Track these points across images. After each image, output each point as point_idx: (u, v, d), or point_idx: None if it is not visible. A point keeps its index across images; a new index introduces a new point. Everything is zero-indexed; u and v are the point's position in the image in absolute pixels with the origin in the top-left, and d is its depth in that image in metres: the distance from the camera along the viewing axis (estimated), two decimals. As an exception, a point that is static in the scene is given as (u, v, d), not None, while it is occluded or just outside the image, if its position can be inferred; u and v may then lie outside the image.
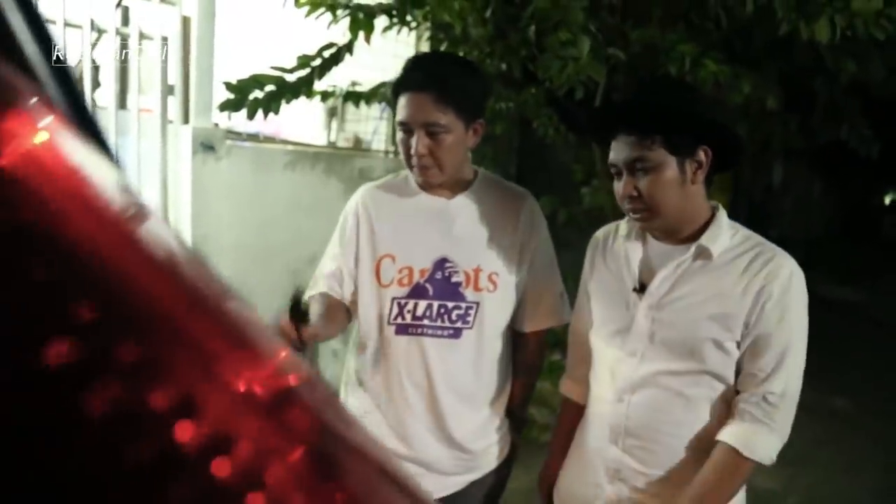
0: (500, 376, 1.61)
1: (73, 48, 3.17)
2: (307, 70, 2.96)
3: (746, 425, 1.21)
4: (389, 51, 3.83)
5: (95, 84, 3.29)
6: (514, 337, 1.65)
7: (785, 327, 1.21)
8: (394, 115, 1.51)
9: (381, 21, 3.08)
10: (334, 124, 4.92)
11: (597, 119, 1.36)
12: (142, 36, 3.31)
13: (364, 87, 3.62)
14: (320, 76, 2.96)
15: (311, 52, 3.04)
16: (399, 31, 3.29)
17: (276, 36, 3.57)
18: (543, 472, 1.60)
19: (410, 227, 1.55)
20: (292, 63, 3.07)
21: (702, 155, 1.26)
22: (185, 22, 3.44)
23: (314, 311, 1.39)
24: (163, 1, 3.27)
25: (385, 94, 3.29)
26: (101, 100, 3.34)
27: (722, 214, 1.32)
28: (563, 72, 2.41)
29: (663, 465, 1.27)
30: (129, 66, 3.35)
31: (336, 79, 3.51)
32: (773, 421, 1.21)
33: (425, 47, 4.06)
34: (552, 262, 1.65)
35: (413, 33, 3.63)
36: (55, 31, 3.10)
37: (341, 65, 3.10)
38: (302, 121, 4.66)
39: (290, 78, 2.93)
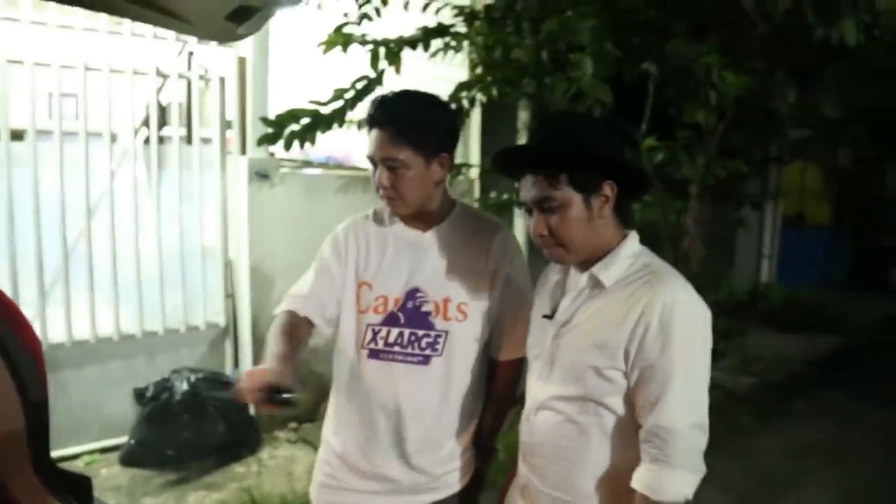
0: (469, 404, 1.63)
1: (141, 93, 3.54)
2: (341, 102, 3.15)
3: (648, 466, 1.19)
4: (435, 75, 3.96)
5: (162, 123, 3.65)
6: (489, 366, 1.67)
7: (667, 357, 1.17)
8: None
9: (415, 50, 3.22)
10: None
11: (503, 159, 1.38)
12: (202, 77, 3.63)
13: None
14: (352, 107, 3.15)
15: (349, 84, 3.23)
16: (444, 54, 3.42)
17: (326, 70, 3.80)
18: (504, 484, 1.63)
19: (387, 257, 1.61)
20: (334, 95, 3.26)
21: (607, 189, 1.26)
22: (241, 62, 3.75)
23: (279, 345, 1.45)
24: (220, 44, 3.57)
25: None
26: (169, 136, 3.70)
27: (626, 243, 1.30)
28: (567, 93, 2.45)
29: (561, 488, 1.28)
30: (191, 105, 3.68)
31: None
32: (668, 457, 1.17)
33: (461, 72, 4.15)
34: (525, 293, 1.66)
35: (456, 57, 3.73)
36: (126, 80, 3.48)
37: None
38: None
39: (326, 110, 3.13)
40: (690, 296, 1.23)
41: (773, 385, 5.26)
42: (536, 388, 1.37)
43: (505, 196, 4.12)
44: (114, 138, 3.55)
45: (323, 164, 4.30)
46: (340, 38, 2.96)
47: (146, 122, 3.59)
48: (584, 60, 2.35)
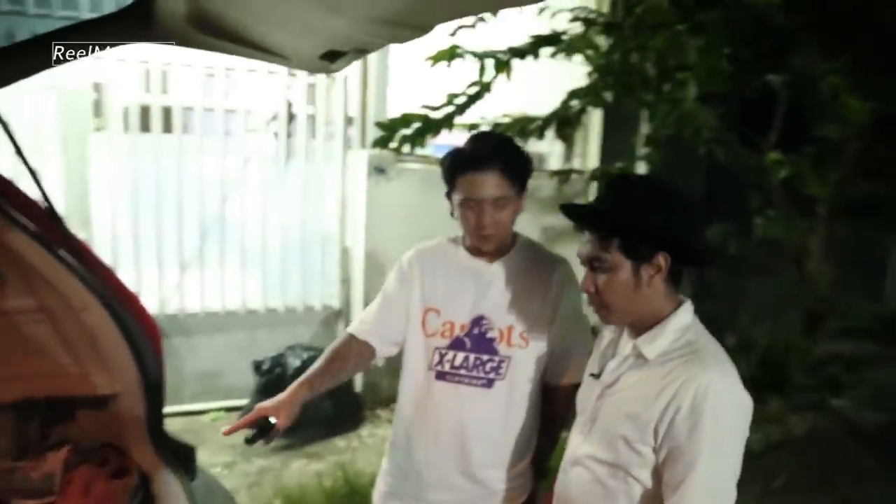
0: (528, 426, 1.71)
1: (272, 93, 3.86)
2: (452, 107, 3.25)
3: None
4: (543, 83, 3.97)
5: (290, 119, 3.95)
6: (544, 391, 1.74)
7: (694, 442, 1.16)
8: (449, 188, 1.65)
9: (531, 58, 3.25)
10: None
11: (566, 212, 1.40)
12: (327, 76, 3.88)
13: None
14: (461, 112, 3.24)
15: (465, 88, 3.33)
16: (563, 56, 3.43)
17: (444, 70, 3.92)
18: None
19: (454, 285, 1.68)
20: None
21: (660, 260, 1.24)
22: (364, 62, 3.95)
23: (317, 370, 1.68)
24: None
25: (523, 128, 3.42)
26: (295, 133, 4.01)
27: (677, 315, 1.25)
28: (668, 117, 2.40)
29: None
30: (316, 104, 3.95)
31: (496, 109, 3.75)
32: None
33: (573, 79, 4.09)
34: (580, 323, 1.72)
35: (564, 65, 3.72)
36: (259, 79, 3.81)
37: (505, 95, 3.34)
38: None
39: (437, 114, 3.26)
40: (727, 382, 1.20)
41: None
42: (576, 442, 1.40)
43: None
44: (247, 132, 3.91)
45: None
46: (447, 53, 3.05)
47: (276, 119, 3.91)
48: (688, 83, 2.28)
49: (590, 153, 4.80)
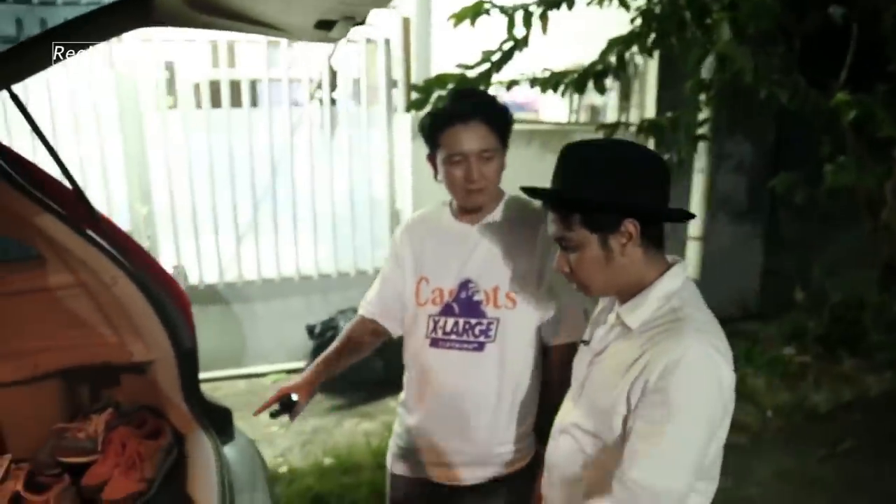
0: (525, 389, 1.70)
1: (313, 59, 3.88)
2: (488, 65, 3.17)
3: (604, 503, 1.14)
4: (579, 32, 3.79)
5: (333, 86, 3.98)
6: (543, 353, 1.71)
7: (659, 413, 1.10)
8: (432, 149, 1.67)
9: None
10: (576, 99, 5.02)
11: (529, 195, 1.34)
12: (369, 40, 3.86)
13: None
14: (498, 69, 3.16)
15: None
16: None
17: (486, 28, 3.82)
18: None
19: (441, 251, 1.69)
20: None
21: (629, 227, 1.16)
22: (406, 23, 3.91)
23: (331, 352, 1.76)
24: (383, 7, 3.74)
25: (572, 80, 3.29)
26: (339, 98, 4.04)
27: (661, 282, 1.18)
28: (701, 60, 2.25)
29: None
30: (360, 68, 3.96)
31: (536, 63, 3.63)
32: None
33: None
34: None
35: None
36: (301, 47, 3.83)
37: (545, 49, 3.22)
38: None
39: (473, 73, 3.19)
40: (702, 355, 1.12)
41: None
42: (566, 409, 1.37)
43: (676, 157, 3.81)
44: (293, 102, 3.97)
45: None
46: (471, 10, 2.96)
47: (320, 86, 3.95)
48: (721, 24, 2.12)
49: (647, 104, 4.61)
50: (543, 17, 2.99)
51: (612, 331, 1.27)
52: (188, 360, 2.02)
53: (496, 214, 1.68)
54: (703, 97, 3.58)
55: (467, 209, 1.68)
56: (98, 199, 3.50)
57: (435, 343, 1.68)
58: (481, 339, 1.65)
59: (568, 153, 1.21)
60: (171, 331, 1.97)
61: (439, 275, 1.69)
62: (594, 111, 5.18)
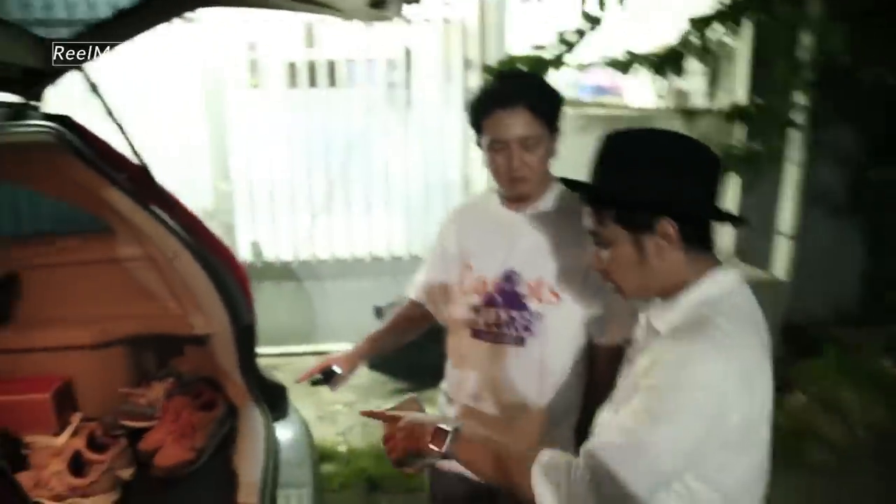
0: (566, 389, 1.63)
1: (390, 40, 3.89)
2: (563, 46, 3.06)
3: (561, 457, 1.07)
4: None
5: (409, 67, 3.98)
6: (591, 351, 1.65)
7: (638, 399, 1.03)
8: (477, 133, 1.61)
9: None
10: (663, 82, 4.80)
11: (567, 186, 1.24)
12: (445, 21, 3.83)
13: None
14: (570, 50, 3.04)
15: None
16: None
17: (564, 7, 3.70)
18: None
19: (486, 239, 1.63)
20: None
21: (666, 228, 1.06)
22: (482, 2, 3.84)
23: (383, 328, 1.85)
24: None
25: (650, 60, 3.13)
26: (415, 78, 4.03)
27: (697, 287, 1.09)
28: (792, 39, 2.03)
29: None
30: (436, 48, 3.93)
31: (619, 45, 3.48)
32: (567, 479, 1.02)
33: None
34: None
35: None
36: (378, 28, 3.85)
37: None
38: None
39: (547, 55, 3.08)
40: (699, 358, 1.01)
41: None
42: (603, 411, 1.30)
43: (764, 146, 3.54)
44: (370, 83, 3.99)
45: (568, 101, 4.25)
46: None
47: (396, 66, 3.95)
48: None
49: (737, 87, 4.33)
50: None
51: (647, 335, 1.19)
52: (246, 336, 2.08)
53: (546, 203, 1.60)
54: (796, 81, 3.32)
55: (512, 197, 1.62)
56: (182, 177, 3.65)
57: (476, 334, 1.63)
58: (523, 333, 1.58)
59: (605, 143, 1.12)
60: (230, 306, 2.03)
61: (483, 263, 1.63)
62: (681, 96, 4.93)
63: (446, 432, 1.18)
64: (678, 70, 3.03)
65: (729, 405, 0.99)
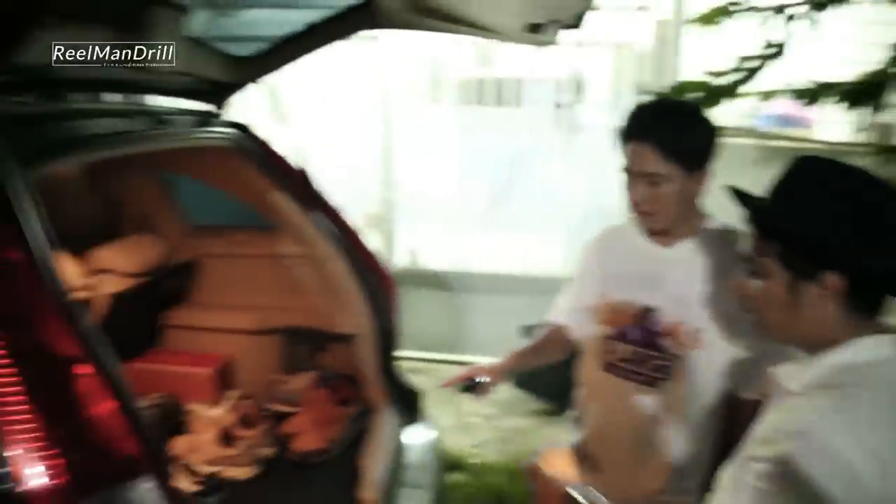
0: (697, 441, 1.51)
1: (563, 63, 3.90)
2: (743, 73, 2.87)
3: None
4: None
5: (579, 90, 3.96)
6: (729, 404, 1.52)
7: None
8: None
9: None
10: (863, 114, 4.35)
11: (734, 199, 1.12)
12: (619, 45, 3.77)
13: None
14: (750, 78, 2.84)
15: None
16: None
17: (746, 32, 3.48)
18: None
19: (625, 270, 1.59)
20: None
21: (831, 281, 0.95)
22: (660, 27, 3.73)
23: (524, 349, 1.78)
24: (639, 8, 3.63)
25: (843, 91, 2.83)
26: (584, 101, 4.00)
27: (840, 350, 0.90)
28: None
29: None
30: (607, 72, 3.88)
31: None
32: None
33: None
34: None
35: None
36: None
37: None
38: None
39: (721, 82, 2.91)
40: (836, 436, 0.90)
41: None
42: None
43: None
44: (539, 103, 4.04)
45: (744, 131, 3.99)
46: (716, 13, 2.68)
47: (566, 89, 3.95)
48: None
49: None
50: (808, 19, 2.61)
51: (778, 390, 1.08)
52: (386, 340, 2.19)
53: (693, 240, 1.52)
54: None
55: (648, 231, 1.55)
56: (353, 183, 3.92)
57: (607, 367, 1.58)
58: (656, 374, 1.51)
59: (795, 167, 1.00)
60: (375, 310, 2.15)
61: (622, 296, 1.58)
62: (885, 130, 4.40)
63: None
64: (878, 102, 2.71)
65: (858, 486, 0.88)
